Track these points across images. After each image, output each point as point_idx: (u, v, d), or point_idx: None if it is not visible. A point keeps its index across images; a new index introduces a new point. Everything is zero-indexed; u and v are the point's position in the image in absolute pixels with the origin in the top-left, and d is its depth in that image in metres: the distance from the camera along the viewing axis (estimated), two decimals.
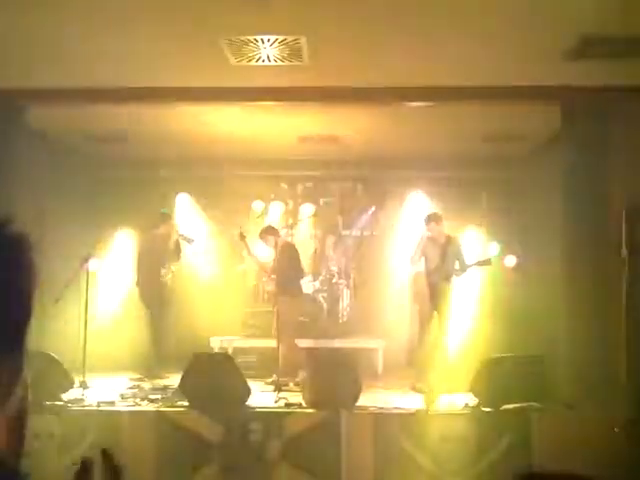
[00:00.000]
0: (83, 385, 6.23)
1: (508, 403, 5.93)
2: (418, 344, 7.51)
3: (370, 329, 8.86)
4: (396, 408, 6.16)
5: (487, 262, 7.26)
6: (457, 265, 7.14)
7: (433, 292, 7.19)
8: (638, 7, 4.24)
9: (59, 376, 5.82)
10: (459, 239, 7.58)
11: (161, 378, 7.29)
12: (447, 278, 7.12)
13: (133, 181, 8.92)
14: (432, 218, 7.32)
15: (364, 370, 7.18)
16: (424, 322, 7.44)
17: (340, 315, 8.91)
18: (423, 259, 7.28)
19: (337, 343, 8.29)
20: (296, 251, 7.72)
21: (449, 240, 7.23)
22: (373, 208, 9.77)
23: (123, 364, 7.73)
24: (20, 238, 0.93)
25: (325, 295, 8.78)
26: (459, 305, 7.73)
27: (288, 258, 7.41)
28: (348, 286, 9.17)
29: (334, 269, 9.03)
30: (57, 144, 7.77)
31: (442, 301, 7.14)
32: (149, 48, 5.06)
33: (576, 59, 5.14)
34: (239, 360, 7.17)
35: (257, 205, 9.62)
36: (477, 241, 8.63)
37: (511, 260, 7.95)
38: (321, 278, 8.90)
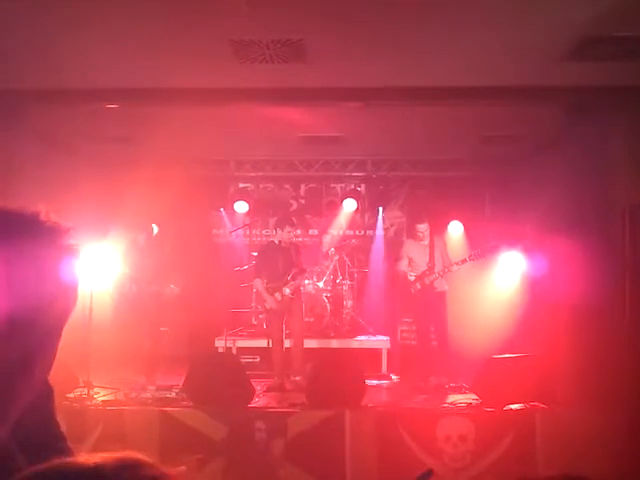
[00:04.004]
0: (87, 384, 6.26)
1: (511, 403, 5.94)
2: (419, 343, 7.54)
3: (374, 329, 8.87)
4: (400, 407, 6.18)
5: (477, 255, 7.18)
6: (444, 262, 7.15)
7: (427, 293, 7.14)
8: (638, 7, 4.24)
9: (63, 375, 5.84)
10: (444, 237, 7.69)
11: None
12: (440, 276, 7.12)
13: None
14: (415, 219, 7.45)
15: (369, 369, 7.18)
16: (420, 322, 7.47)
17: (344, 315, 8.91)
18: (407, 260, 7.27)
19: (342, 343, 8.30)
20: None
21: (435, 240, 7.25)
22: (379, 208, 9.84)
23: (128, 363, 7.72)
24: (75, 248, 0.99)
25: (329, 295, 8.80)
26: (458, 303, 7.75)
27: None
28: (352, 286, 9.19)
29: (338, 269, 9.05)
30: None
31: (438, 301, 7.15)
32: (152, 48, 5.07)
33: (576, 59, 5.14)
34: (243, 360, 7.19)
35: None
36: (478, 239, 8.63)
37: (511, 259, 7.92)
38: (325, 278, 8.91)
